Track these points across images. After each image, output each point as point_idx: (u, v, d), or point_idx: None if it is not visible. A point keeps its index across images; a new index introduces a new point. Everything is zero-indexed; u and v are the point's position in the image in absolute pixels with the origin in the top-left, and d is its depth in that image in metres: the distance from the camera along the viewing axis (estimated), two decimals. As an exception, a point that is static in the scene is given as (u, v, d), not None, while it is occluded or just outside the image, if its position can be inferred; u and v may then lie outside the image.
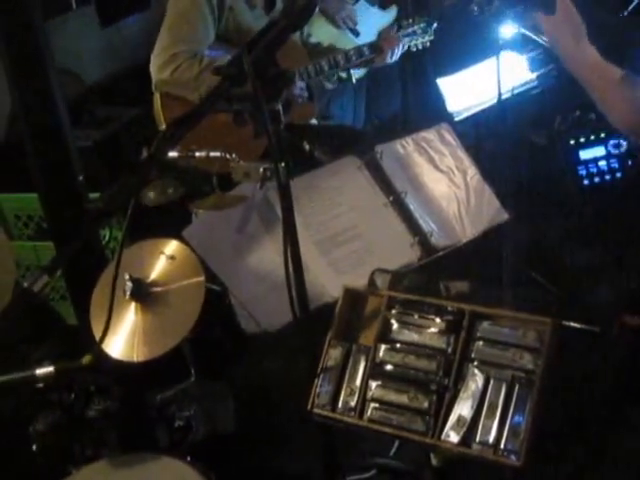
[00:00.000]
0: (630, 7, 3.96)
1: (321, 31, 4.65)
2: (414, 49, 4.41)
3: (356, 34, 4.73)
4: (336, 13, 4.69)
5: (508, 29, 3.77)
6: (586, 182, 4.55)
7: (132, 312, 2.63)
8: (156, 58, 3.76)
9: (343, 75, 4.67)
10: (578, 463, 3.10)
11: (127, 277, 2.58)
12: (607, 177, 4.51)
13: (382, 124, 5.35)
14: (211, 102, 1.99)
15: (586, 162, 4.52)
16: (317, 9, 4.41)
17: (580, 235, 4.40)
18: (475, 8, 2.28)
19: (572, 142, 4.58)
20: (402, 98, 5.39)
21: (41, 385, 2.25)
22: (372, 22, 4.76)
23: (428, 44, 4.42)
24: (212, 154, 2.51)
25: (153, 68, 3.77)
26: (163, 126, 3.79)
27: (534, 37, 3.78)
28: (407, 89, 5.36)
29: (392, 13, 4.91)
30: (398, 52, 4.26)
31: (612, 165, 4.50)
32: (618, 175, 4.49)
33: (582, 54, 2.20)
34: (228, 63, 1.99)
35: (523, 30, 3.85)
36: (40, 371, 2.18)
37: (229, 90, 1.98)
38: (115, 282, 2.08)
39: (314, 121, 4.32)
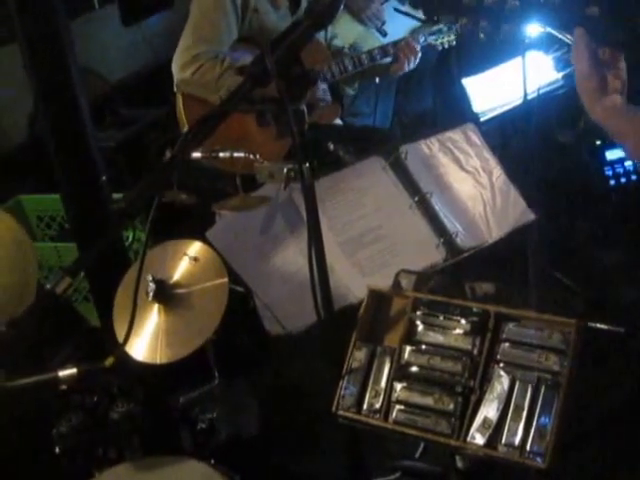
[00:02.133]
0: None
1: (346, 29, 4.64)
2: (439, 48, 4.39)
3: (383, 34, 4.70)
4: (362, 11, 4.67)
5: (534, 28, 3.74)
6: (612, 182, 4.52)
7: (155, 314, 2.63)
8: (178, 58, 3.77)
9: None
10: (603, 465, 3.07)
11: (150, 278, 2.57)
12: (633, 177, 4.48)
13: (411, 122, 5.34)
14: (234, 102, 1.98)
15: (612, 162, 4.49)
16: (344, 7, 4.44)
17: (606, 236, 4.37)
18: (481, 35, 2.24)
19: (598, 142, 4.55)
20: (433, 97, 5.37)
21: (64, 387, 2.25)
22: (401, 22, 4.73)
23: (454, 42, 4.39)
24: (236, 154, 2.50)
25: (175, 68, 3.78)
26: (186, 127, 3.79)
27: (560, 36, 3.76)
28: (437, 88, 5.34)
29: (421, 12, 4.89)
30: (415, 60, 4.21)
31: (638, 165, 4.47)
32: (644, 175, 4.47)
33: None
34: (252, 63, 1.98)
35: (549, 29, 3.82)
36: (63, 373, 2.17)
37: (252, 90, 1.97)
38: (138, 283, 2.07)
39: (339, 121, 4.31)
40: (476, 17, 2.03)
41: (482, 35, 2.23)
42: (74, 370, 2.18)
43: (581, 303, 2.47)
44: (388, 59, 4.19)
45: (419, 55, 4.22)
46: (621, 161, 4.48)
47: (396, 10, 4.66)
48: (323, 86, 3.99)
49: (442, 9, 2.10)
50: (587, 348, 2.26)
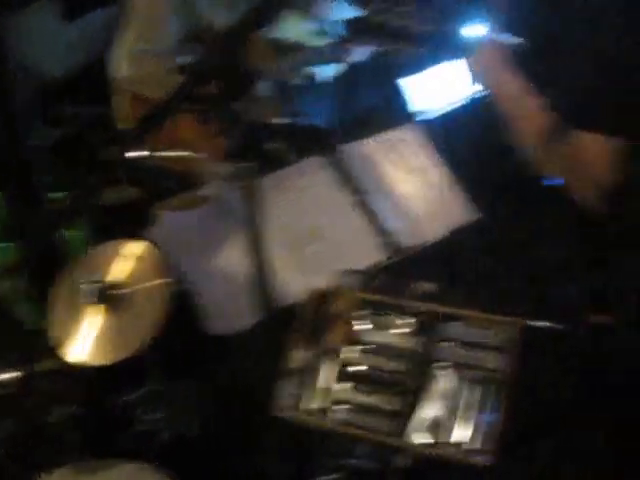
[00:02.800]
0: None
1: (292, 26, 4.63)
2: (381, 50, 4.41)
3: (332, 31, 4.71)
4: (309, 8, 4.66)
5: (477, 29, 3.78)
6: (552, 180, 4.57)
7: (97, 314, 2.60)
8: (119, 55, 3.73)
9: (310, 73, 4.66)
10: (546, 462, 3.10)
11: (91, 279, 2.55)
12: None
13: (353, 122, 5.34)
14: (176, 101, 1.97)
15: (552, 161, 4.54)
16: (289, 4, 4.43)
17: (547, 235, 4.41)
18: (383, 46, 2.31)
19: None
20: (375, 97, 5.38)
21: (1, 391, 2.22)
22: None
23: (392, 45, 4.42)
24: (177, 154, 2.49)
25: (116, 65, 3.74)
26: (127, 125, 3.76)
27: (503, 37, 3.79)
28: (376, 89, 5.36)
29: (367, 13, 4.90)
30: (364, 51, 4.26)
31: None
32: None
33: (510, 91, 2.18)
34: (193, 62, 1.97)
35: (491, 31, 3.85)
36: (3, 377, 2.15)
37: (193, 89, 1.96)
38: (78, 284, 2.05)
39: (280, 120, 4.30)
40: None
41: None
42: (12, 374, 2.16)
43: (522, 302, 2.49)
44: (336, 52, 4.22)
45: (367, 45, 4.25)
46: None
47: None
48: (266, 82, 3.98)
49: None
50: (529, 346, 2.29)
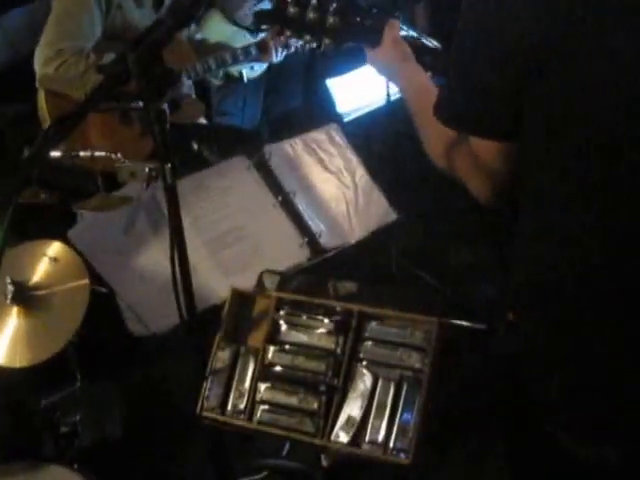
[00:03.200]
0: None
1: (216, 28, 4.62)
2: (300, 50, 4.43)
3: (254, 34, 4.71)
4: (236, 11, 4.66)
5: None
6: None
7: (14, 316, 2.57)
8: (41, 53, 3.68)
9: (235, 74, 4.66)
10: (465, 460, 3.14)
11: (8, 280, 2.51)
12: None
13: (279, 121, 5.34)
14: (95, 101, 1.95)
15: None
16: (215, 6, 4.42)
17: (465, 234, 4.47)
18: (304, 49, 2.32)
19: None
20: (302, 98, 5.40)
21: None
22: (272, 23, 4.74)
23: (314, 45, 4.43)
24: (97, 154, 2.47)
25: (37, 63, 3.69)
26: (48, 124, 3.71)
27: (425, 41, 3.82)
28: (300, 90, 5.37)
29: None
30: (282, 52, 4.27)
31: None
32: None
33: (409, 74, 2.21)
34: (112, 61, 1.96)
35: (411, 33, 3.88)
36: None
37: (113, 89, 1.94)
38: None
39: (203, 121, 4.29)
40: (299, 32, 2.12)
41: (304, 47, 2.31)
42: None
43: (442, 301, 2.52)
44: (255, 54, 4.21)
45: (286, 46, 4.26)
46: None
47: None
48: (188, 82, 3.97)
49: (268, 20, 2.20)
50: (450, 345, 2.31)
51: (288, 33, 2.18)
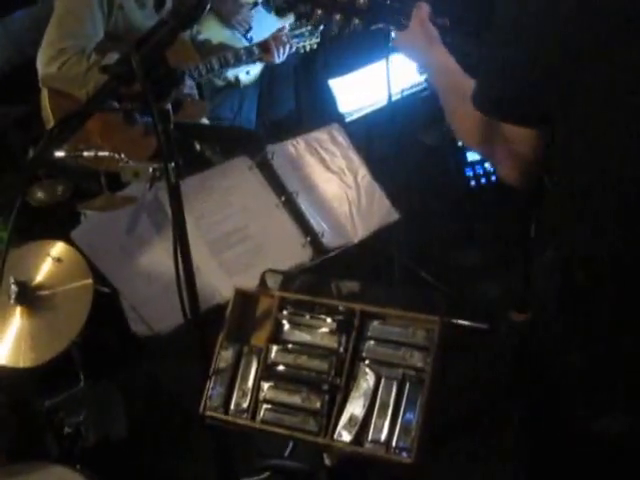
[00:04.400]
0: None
1: (212, 32, 4.63)
2: (302, 51, 4.44)
3: (249, 40, 4.72)
4: (231, 16, 4.67)
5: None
6: (473, 183, 4.64)
7: (17, 316, 2.58)
8: (43, 53, 3.70)
9: (231, 79, 4.68)
10: (468, 460, 3.15)
11: (12, 280, 2.52)
12: (493, 178, 4.62)
13: (274, 125, 5.35)
14: (99, 101, 1.96)
15: (473, 163, 4.62)
16: (211, 10, 4.43)
17: (467, 234, 4.48)
18: (335, 29, 2.31)
19: (460, 144, 4.66)
20: (295, 99, 5.41)
21: None
22: (267, 28, 4.75)
23: (315, 46, 4.46)
24: (100, 154, 2.48)
25: (40, 63, 3.70)
26: (52, 124, 3.72)
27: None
28: (299, 90, 5.38)
29: (288, 21, 4.91)
30: (286, 52, 4.29)
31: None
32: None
33: (437, 57, 2.23)
34: (116, 62, 1.96)
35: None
36: None
37: (117, 89, 1.95)
38: (0, 281, 2.02)
39: (205, 121, 4.30)
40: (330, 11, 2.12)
41: (335, 29, 2.30)
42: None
43: (444, 300, 2.52)
44: (258, 53, 4.23)
45: (288, 47, 4.27)
46: (481, 162, 4.61)
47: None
48: (190, 83, 3.97)
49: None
50: (452, 344, 2.31)
51: (319, 12, 2.18)
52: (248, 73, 4.64)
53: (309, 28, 4.38)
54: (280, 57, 4.29)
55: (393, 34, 2.31)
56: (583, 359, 1.87)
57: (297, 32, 4.35)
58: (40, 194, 2.62)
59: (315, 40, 4.42)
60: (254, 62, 4.40)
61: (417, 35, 2.23)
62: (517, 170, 1.93)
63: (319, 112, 4.96)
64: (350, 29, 2.31)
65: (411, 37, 2.25)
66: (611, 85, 1.65)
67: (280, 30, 4.35)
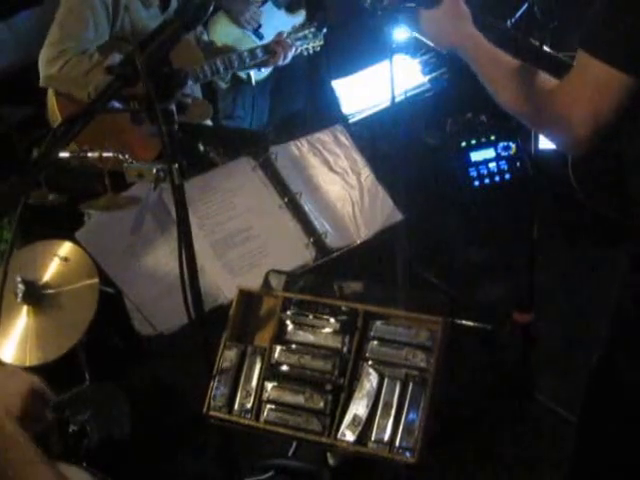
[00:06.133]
0: (518, 14, 4.06)
1: (223, 31, 4.64)
2: (305, 53, 4.45)
3: (260, 36, 4.73)
4: (240, 14, 4.68)
5: (401, 33, 3.82)
6: (476, 183, 4.65)
7: (24, 315, 2.59)
8: (45, 53, 3.71)
9: (243, 76, 4.68)
10: (470, 460, 3.15)
11: (19, 279, 2.53)
12: (496, 178, 4.63)
13: (285, 122, 5.36)
14: (103, 101, 1.96)
15: (477, 164, 4.63)
16: (221, 9, 4.44)
17: (471, 235, 4.48)
18: (368, 2, 2.31)
19: (463, 144, 4.67)
20: (306, 98, 5.42)
21: None
22: (278, 25, 4.75)
23: (318, 48, 4.47)
24: (105, 154, 2.48)
25: (41, 63, 3.71)
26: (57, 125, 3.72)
27: (427, 41, 3.83)
28: (304, 91, 5.39)
29: (299, 17, 4.92)
30: (290, 55, 4.29)
31: (501, 167, 4.62)
32: (507, 177, 4.62)
33: (471, 34, 2.22)
34: (120, 62, 1.97)
35: (416, 34, 3.89)
36: None
37: (120, 90, 1.95)
38: (4, 284, 2.03)
39: (209, 122, 4.30)
40: None
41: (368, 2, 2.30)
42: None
43: (448, 301, 2.52)
44: (262, 56, 4.23)
45: (293, 50, 4.28)
46: (485, 162, 4.62)
47: None
48: (190, 82, 3.98)
49: None
50: (456, 345, 2.32)
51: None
52: (260, 70, 4.64)
53: (312, 30, 4.39)
54: (285, 60, 4.29)
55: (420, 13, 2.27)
56: None
57: (300, 34, 4.36)
58: (52, 196, 2.63)
59: (318, 43, 4.43)
60: (258, 65, 4.39)
61: (449, 13, 2.21)
62: (588, 129, 1.93)
63: (323, 113, 4.96)
64: (381, 6, 2.29)
65: (443, 14, 2.22)
66: None
67: (281, 34, 4.34)
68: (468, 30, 2.22)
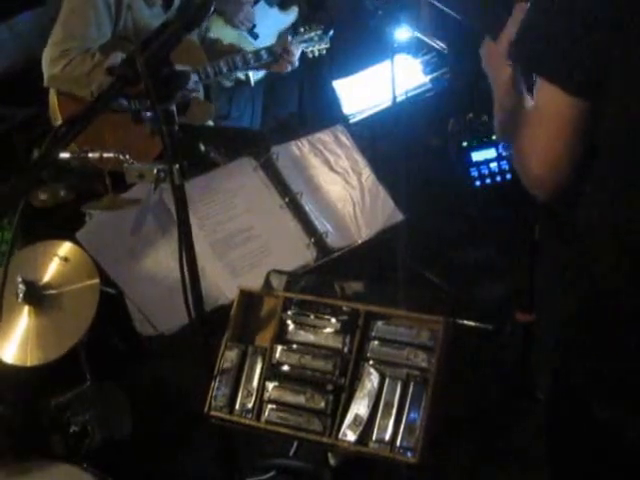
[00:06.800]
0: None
1: (219, 33, 4.63)
2: (310, 55, 4.44)
3: (254, 36, 4.73)
4: (234, 15, 4.68)
5: (403, 33, 3.83)
6: (478, 183, 4.65)
7: (25, 315, 2.59)
8: (48, 54, 3.71)
9: (242, 77, 4.68)
10: (471, 460, 3.15)
11: (20, 280, 2.53)
12: (498, 178, 4.63)
13: (279, 125, 5.36)
14: (104, 101, 1.96)
15: (478, 164, 4.63)
16: (215, 11, 4.42)
17: (472, 234, 4.48)
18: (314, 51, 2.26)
19: (464, 144, 4.67)
20: (299, 100, 5.41)
21: None
22: (271, 24, 4.75)
23: (324, 51, 4.46)
24: (105, 155, 2.48)
25: (45, 64, 3.71)
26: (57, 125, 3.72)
27: (428, 41, 3.83)
28: (303, 91, 5.39)
29: (292, 15, 4.92)
30: (296, 63, 4.28)
31: (502, 167, 4.62)
32: (508, 177, 4.61)
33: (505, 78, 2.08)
34: (121, 63, 1.97)
35: (417, 34, 3.90)
36: None
37: (122, 90, 1.95)
38: (4, 285, 2.03)
39: (210, 122, 4.30)
40: None
41: None
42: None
43: (449, 301, 2.52)
44: (267, 59, 4.23)
45: (298, 54, 4.27)
46: (486, 162, 4.62)
47: None
48: (194, 77, 3.97)
49: None
50: (457, 344, 2.32)
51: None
52: (258, 70, 4.64)
53: (319, 33, 4.38)
54: (290, 68, 4.28)
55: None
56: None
57: (306, 36, 4.35)
58: (43, 197, 2.63)
59: (325, 45, 4.42)
60: (262, 68, 4.39)
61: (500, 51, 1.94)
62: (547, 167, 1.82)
63: (323, 113, 4.96)
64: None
65: (498, 51, 1.95)
66: None
67: (286, 37, 4.34)
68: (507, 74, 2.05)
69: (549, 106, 1.73)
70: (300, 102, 5.42)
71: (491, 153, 4.64)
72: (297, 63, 4.30)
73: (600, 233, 1.75)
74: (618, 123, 1.67)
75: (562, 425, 1.99)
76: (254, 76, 4.71)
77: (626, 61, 1.61)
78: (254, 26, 4.74)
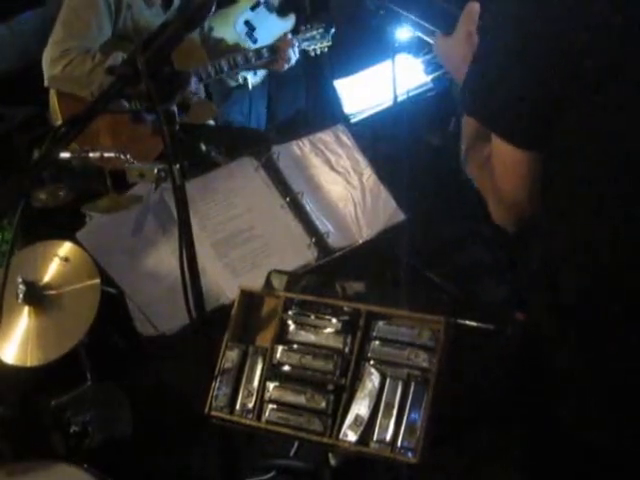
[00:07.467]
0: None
1: (225, 30, 4.63)
2: (312, 54, 4.44)
3: (254, 41, 4.73)
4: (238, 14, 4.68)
5: (404, 32, 3.82)
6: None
7: (25, 316, 2.59)
8: (48, 53, 3.71)
9: (240, 81, 4.68)
10: (472, 460, 3.15)
11: (20, 280, 2.53)
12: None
13: (284, 126, 5.36)
14: (105, 101, 1.96)
15: (479, 163, 4.61)
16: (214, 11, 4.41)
17: (473, 235, 4.47)
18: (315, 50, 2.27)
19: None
20: (304, 99, 5.42)
21: None
22: (271, 29, 4.75)
23: (326, 49, 4.46)
24: (106, 154, 2.48)
25: (45, 64, 3.72)
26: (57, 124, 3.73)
27: (429, 41, 3.82)
28: (305, 90, 5.39)
29: (290, 21, 4.91)
30: (293, 57, 4.28)
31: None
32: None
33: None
34: (122, 63, 1.97)
35: (418, 34, 3.88)
36: None
37: (123, 90, 1.95)
38: (4, 285, 2.03)
39: (211, 122, 4.30)
40: None
41: None
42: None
43: (451, 301, 2.52)
44: (268, 57, 4.23)
45: (297, 49, 4.27)
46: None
47: None
48: (195, 79, 3.97)
49: None
50: (458, 344, 2.32)
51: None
52: (256, 74, 4.64)
53: (320, 31, 4.38)
54: (289, 64, 4.28)
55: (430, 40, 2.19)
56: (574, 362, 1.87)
57: (308, 35, 4.35)
58: (43, 197, 2.63)
59: (326, 43, 4.43)
60: (263, 66, 4.39)
61: (459, 46, 2.03)
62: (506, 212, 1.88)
63: (324, 113, 4.96)
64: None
65: (452, 45, 2.07)
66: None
67: (285, 37, 4.34)
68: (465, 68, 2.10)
69: (504, 158, 1.81)
70: (305, 102, 5.42)
71: (492, 153, 4.64)
72: (294, 60, 4.30)
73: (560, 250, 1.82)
74: (564, 176, 1.75)
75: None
76: (252, 80, 4.71)
77: (574, 115, 1.67)
78: (253, 30, 4.74)
